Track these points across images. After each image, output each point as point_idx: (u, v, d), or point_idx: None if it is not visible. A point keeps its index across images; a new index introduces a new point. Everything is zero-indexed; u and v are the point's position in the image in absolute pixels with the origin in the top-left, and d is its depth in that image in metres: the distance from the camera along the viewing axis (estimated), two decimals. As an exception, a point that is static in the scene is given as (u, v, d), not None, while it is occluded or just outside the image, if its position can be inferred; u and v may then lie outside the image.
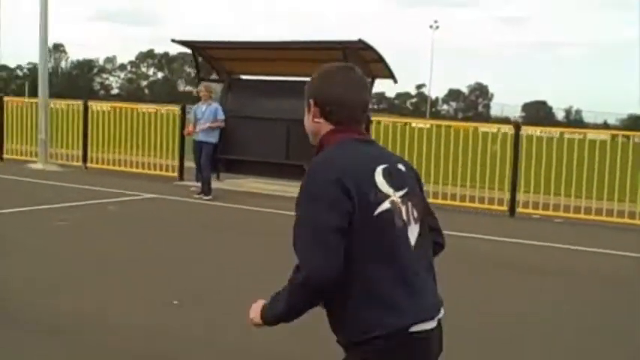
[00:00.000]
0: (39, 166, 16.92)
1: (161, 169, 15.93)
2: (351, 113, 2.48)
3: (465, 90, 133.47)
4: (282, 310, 2.36)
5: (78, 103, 17.56)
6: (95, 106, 17.62)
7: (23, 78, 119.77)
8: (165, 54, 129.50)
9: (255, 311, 2.45)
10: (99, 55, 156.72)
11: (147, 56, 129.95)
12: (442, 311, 2.43)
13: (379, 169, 2.38)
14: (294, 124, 15.39)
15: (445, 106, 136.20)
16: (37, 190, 13.48)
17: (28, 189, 13.66)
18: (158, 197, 12.87)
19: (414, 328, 2.30)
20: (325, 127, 2.48)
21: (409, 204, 2.40)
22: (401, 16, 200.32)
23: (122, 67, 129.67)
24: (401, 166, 2.47)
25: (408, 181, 2.45)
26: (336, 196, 2.27)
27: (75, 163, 17.03)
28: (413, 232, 2.39)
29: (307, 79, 2.61)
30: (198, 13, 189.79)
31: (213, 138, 13.16)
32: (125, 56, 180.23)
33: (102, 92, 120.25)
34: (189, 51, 15.94)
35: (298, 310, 2.35)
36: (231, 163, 15.24)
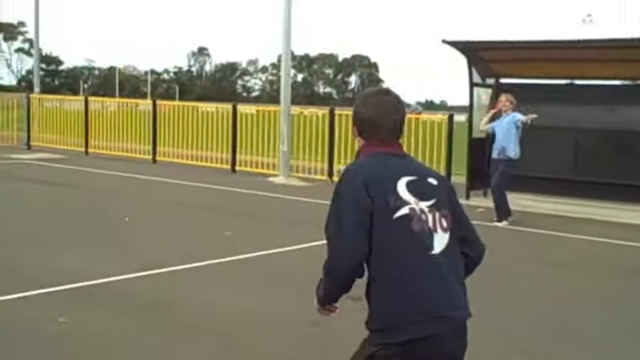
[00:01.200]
0: (281, 179, 15.65)
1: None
2: (381, 131, 2.79)
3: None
4: (322, 295, 2.77)
5: (324, 112, 16.16)
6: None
7: (169, 82, 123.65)
8: (306, 55, 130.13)
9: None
10: (242, 57, 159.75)
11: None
12: (461, 315, 2.64)
13: (403, 180, 2.67)
14: (586, 134, 13.72)
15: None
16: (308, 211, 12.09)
17: (300, 210, 12.29)
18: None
19: (414, 333, 2.53)
20: (361, 142, 2.85)
21: (437, 214, 2.67)
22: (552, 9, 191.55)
23: (264, 69, 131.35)
24: (432, 180, 2.76)
25: (438, 193, 2.72)
26: (361, 197, 2.59)
27: (317, 177, 15.65)
28: (441, 240, 2.65)
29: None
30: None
31: (512, 153, 11.16)
32: (267, 58, 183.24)
33: (244, 94, 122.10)
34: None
35: (333, 293, 2.74)
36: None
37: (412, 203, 2.63)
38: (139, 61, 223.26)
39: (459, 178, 13.20)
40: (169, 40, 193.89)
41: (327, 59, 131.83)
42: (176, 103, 20.15)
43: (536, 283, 7.63)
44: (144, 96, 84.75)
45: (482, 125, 12.00)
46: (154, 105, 18.72)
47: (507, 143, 11.02)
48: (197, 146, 17.80)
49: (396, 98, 2.86)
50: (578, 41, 12.86)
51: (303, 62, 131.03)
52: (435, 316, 2.57)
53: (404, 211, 2.61)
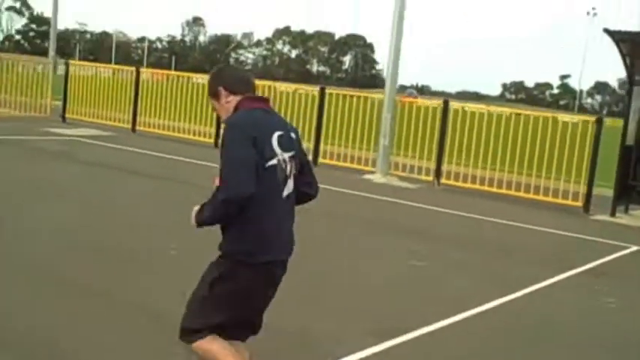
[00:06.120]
0: (378, 178, 13.67)
1: (558, 196, 12.27)
2: (251, 89, 3.36)
3: (614, 83, 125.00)
4: (206, 219, 3.16)
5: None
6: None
7: (162, 50, 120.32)
8: (302, 32, 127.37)
9: (193, 215, 3.21)
10: (236, 30, 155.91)
11: (283, 33, 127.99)
12: (289, 253, 3.34)
13: (276, 134, 3.18)
14: None
15: (589, 100, 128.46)
16: (449, 223, 10.13)
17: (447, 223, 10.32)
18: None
19: (269, 258, 3.20)
20: (233, 100, 3.30)
21: (293, 163, 3.25)
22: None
23: (258, 43, 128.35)
24: (292, 135, 3.31)
25: (295, 146, 3.29)
26: (249, 145, 3.08)
27: (420, 177, 13.67)
28: (290, 186, 3.25)
29: None
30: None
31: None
32: (262, 32, 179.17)
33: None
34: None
35: (217, 220, 3.16)
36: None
37: (279, 155, 3.17)
38: (130, 27, 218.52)
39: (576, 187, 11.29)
40: (162, 8, 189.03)
41: (323, 37, 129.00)
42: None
43: None
44: (135, 64, 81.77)
45: None
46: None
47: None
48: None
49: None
50: None
51: (299, 38, 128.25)
52: (277, 248, 3.25)
53: (273, 161, 3.15)
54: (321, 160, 14.88)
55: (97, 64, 23.77)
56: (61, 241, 6.79)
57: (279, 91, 16.36)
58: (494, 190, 12.79)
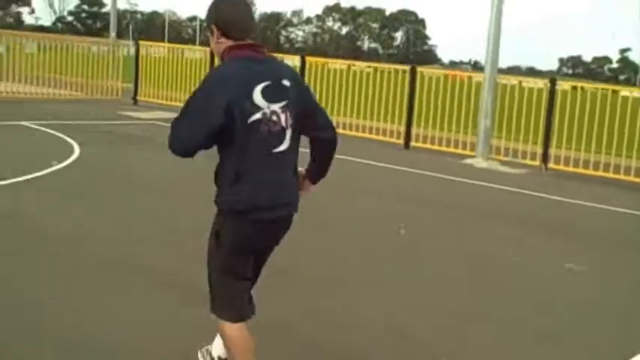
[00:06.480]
0: (479, 162, 12.68)
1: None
2: (248, 34, 3.09)
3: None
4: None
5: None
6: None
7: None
8: (352, 8, 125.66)
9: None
10: (286, 8, 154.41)
11: (333, 10, 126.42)
12: (293, 200, 3.17)
13: (259, 87, 2.97)
14: None
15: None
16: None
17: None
18: None
19: (256, 215, 3.05)
20: (225, 43, 3.09)
21: (287, 113, 3.04)
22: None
23: (308, 20, 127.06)
24: (285, 82, 3.06)
25: (290, 94, 3.05)
26: (217, 104, 2.90)
27: (524, 161, 12.64)
28: (288, 137, 3.05)
29: None
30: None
31: None
32: (311, 9, 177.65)
33: (286, 46, 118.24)
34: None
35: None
36: None
37: (264, 107, 2.98)
38: (180, 5, 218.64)
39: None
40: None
41: (374, 13, 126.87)
42: (329, 60, 16.96)
43: None
44: (188, 42, 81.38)
45: None
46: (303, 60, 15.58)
47: None
48: (366, 115, 14.85)
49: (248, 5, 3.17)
50: None
51: (349, 15, 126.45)
52: (265, 203, 3.05)
53: (257, 116, 2.96)
54: (413, 143, 13.96)
55: (166, 44, 23.07)
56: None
57: (357, 70, 15.46)
58: (610, 175, 11.72)
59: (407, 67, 14.51)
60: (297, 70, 15.28)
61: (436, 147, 13.65)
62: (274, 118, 2.99)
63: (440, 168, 11.66)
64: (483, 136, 12.87)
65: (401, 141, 14.04)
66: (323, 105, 4.31)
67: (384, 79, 14.67)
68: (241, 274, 3.15)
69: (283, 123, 3.01)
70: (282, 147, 3.03)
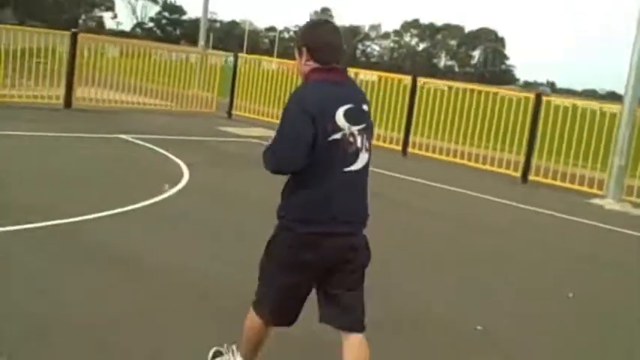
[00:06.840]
0: (610, 203, 11.52)
1: None
2: (335, 58, 3.20)
3: None
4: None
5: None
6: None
7: (289, 40, 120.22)
8: (431, 24, 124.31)
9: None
10: (364, 22, 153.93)
11: (411, 25, 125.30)
12: (362, 220, 3.28)
13: (342, 109, 3.11)
14: None
15: None
16: None
17: None
18: None
19: (312, 229, 3.12)
20: (310, 65, 3.20)
21: (364, 136, 3.20)
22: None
23: (386, 35, 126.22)
24: (365, 107, 3.25)
25: (367, 119, 3.24)
26: (307, 118, 3.04)
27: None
28: (363, 159, 3.20)
29: None
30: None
31: None
32: (389, 24, 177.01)
33: (362, 59, 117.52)
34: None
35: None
36: None
37: (345, 129, 3.11)
38: (257, 16, 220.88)
39: None
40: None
41: (453, 30, 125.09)
42: (440, 81, 16.11)
43: None
44: (265, 54, 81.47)
45: None
46: (414, 81, 14.68)
47: None
48: (480, 144, 13.88)
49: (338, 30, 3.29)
50: None
51: (427, 31, 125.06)
52: (327, 220, 3.13)
53: (336, 136, 3.08)
54: (532, 177, 12.90)
55: (262, 57, 22.48)
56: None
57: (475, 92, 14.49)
58: None
59: (531, 95, 13.43)
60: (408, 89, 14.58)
61: (558, 182, 12.54)
62: (351, 139, 3.12)
63: (563, 208, 10.57)
64: (616, 175, 11.71)
65: (518, 173, 13.00)
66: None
67: (503, 105, 13.67)
68: (298, 293, 3.29)
69: (359, 144, 3.16)
70: (355, 167, 3.16)
